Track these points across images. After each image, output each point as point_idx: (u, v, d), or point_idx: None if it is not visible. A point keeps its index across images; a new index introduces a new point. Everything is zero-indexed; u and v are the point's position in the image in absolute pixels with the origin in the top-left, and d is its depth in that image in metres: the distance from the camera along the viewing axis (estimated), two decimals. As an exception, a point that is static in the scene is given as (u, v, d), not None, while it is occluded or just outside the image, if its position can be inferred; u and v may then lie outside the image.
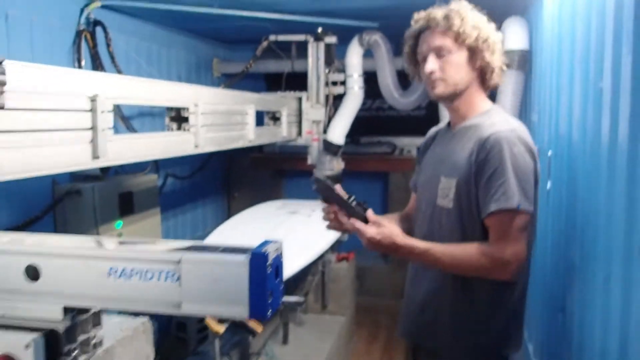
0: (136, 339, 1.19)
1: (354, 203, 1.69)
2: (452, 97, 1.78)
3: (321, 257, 3.70)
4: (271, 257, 0.90)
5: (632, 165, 1.40)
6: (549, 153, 2.40)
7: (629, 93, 1.42)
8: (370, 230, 1.64)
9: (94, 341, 1.04)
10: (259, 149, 5.53)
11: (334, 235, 3.19)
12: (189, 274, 0.90)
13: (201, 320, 4.11)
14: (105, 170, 3.33)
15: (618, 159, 1.50)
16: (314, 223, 3.30)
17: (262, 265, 0.88)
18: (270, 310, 0.90)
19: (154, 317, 3.60)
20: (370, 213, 1.68)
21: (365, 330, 4.83)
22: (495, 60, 1.74)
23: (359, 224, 1.66)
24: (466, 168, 1.69)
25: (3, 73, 1.06)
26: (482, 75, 1.77)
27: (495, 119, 1.74)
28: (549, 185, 2.41)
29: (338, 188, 1.72)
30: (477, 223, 1.69)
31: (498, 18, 3.18)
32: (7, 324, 0.96)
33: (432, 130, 2.04)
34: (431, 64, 1.73)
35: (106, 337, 1.10)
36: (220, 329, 2.21)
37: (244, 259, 0.88)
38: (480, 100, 1.81)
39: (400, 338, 1.97)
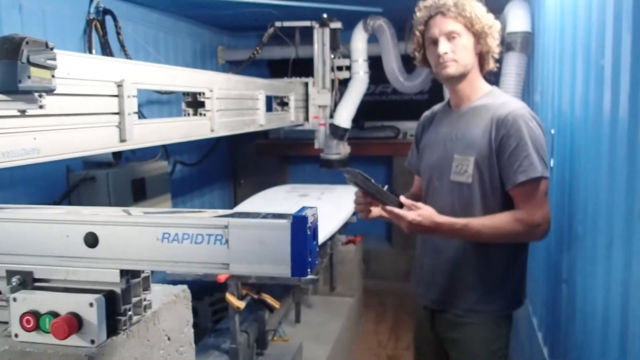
0: (178, 303, 1.28)
1: (387, 190, 1.81)
2: (461, 78, 1.93)
3: (331, 238, 3.80)
4: (310, 220, 1.00)
5: (632, 138, 1.49)
6: (552, 132, 2.49)
7: (628, 70, 1.51)
8: (410, 214, 1.76)
9: (144, 303, 1.14)
10: (265, 135, 5.62)
11: (345, 215, 3.29)
12: (235, 237, 0.99)
13: (213, 303, 4.24)
14: (117, 157, 3.41)
15: (619, 133, 1.59)
16: (324, 204, 3.39)
17: (302, 227, 0.98)
18: (309, 269, 1.00)
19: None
20: (403, 198, 1.80)
21: (373, 311, 4.96)
22: (495, 45, 1.92)
23: (398, 210, 1.78)
24: (485, 145, 1.85)
25: (54, 58, 1.14)
26: (481, 59, 1.95)
27: (504, 99, 1.94)
28: (552, 162, 2.50)
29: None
30: (498, 194, 1.87)
31: (501, 1, 3.29)
32: (69, 287, 1.06)
33: (428, 113, 2.19)
34: (444, 46, 1.87)
35: (153, 302, 1.20)
36: (241, 304, 2.31)
37: (286, 222, 0.98)
38: (482, 82, 1.99)
39: (427, 306, 2.10)
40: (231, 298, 2.28)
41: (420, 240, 2.13)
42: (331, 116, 4.18)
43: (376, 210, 1.93)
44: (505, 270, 1.96)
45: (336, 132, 4.13)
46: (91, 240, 1.04)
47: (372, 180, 1.80)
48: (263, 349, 2.63)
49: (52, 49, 1.14)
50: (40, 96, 1.15)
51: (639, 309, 1.44)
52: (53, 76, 1.17)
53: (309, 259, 0.99)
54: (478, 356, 1.98)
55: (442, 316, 2.05)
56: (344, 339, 3.86)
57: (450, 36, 1.87)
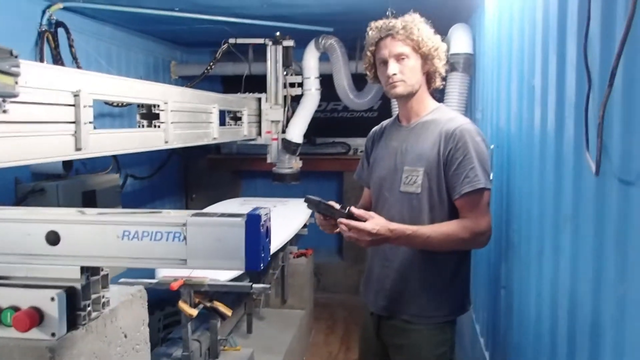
0: (135, 302, 1.33)
1: (339, 207, 1.87)
2: (409, 96, 2.06)
3: (282, 250, 3.86)
4: (263, 219, 1.08)
5: (559, 149, 1.64)
6: (491, 147, 2.65)
7: (554, 88, 1.67)
8: (367, 225, 1.82)
9: (103, 300, 1.18)
10: (217, 150, 5.65)
11: (296, 227, 3.36)
12: (193, 234, 1.05)
13: (164, 317, 4.21)
14: (68, 169, 3.39)
15: (547, 146, 1.75)
16: (276, 216, 3.44)
17: (256, 225, 1.05)
18: (262, 263, 1.07)
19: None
20: (354, 209, 1.87)
21: (324, 323, 5.02)
22: (441, 65, 2.05)
23: (355, 222, 1.83)
24: (434, 157, 1.97)
25: (17, 65, 1.19)
26: (429, 78, 2.08)
27: (451, 115, 2.08)
28: (491, 176, 2.66)
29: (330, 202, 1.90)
30: (445, 204, 1.99)
31: (445, 24, 3.48)
32: (30, 284, 1.10)
33: (377, 128, 2.31)
34: (393, 67, 1.99)
35: (111, 300, 1.25)
36: (194, 312, 2.34)
37: (241, 220, 1.05)
38: (429, 99, 2.12)
39: (374, 313, 2.17)
40: (184, 306, 2.31)
41: (370, 249, 2.21)
42: (283, 131, 4.28)
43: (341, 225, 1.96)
44: (450, 278, 2.06)
45: (288, 146, 4.22)
46: (53, 238, 1.08)
47: (334, 205, 1.88)
48: (215, 358, 2.65)
49: (16, 56, 1.19)
50: (4, 101, 1.19)
51: (566, 310, 1.58)
52: (16, 83, 1.21)
53: (262, 255, 1.06)
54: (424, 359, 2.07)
55: (389, 322, 2.12)
56: (295, 350, 3.91)
57: (399, 58, 1.98)
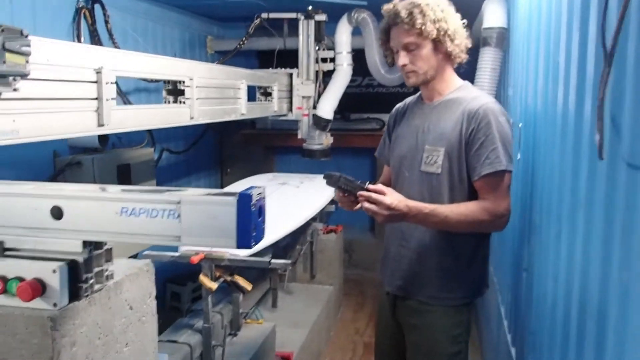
0: (141, 276, 1.37)
1: (359, 183, 1.86)
2: (426, 83, 2.01)
3: (309, 226, 3.89)
4: (255, 198, 1.09)
5: (578, 130, 1.58)
6: (520, 125, 2.58)
7: (576, 66, 1.60)
8: (387, 199, 1.81)
9: (106, 273, 1.22)
10: (252, 125, 5.70)
11: (320, 204, 3.38)
12: (187, 212, 1.08)
13: (195, 289, 4.34)
14: (104, 143, 3.49)
15: (568, 125, 1.69)
16: (302, 192, 3.49)
17: (247, 204, 1.06)
18: (253, 242, 1.09)
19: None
20: (371, 185, 1.85)
21: (353, 299, 5.06)
22: (457, 45, 1.94)
23: (375, 195, 1.82)
24: (455, 137, 1.92)
25: (28, 45, 1.22)
26: (449, 57, 1.98)
27: (475, 93, 2.01)
28: (519, 155, 2.60)
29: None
30: (465, 185, 1.94)
31: (480, -2, 3.38)
32: (36, 256, 1.15)
33: (400, 105, 2.26)
34: (402, 59, 1.95)
35: (116, 274, 1.29)
36: (213, 285, 2.40)
37: (232, 199, 1.07)
38: (453, 77, 2.05)
39: (390, 293, 2.16)
40: (204, 279, 2.37)
41: (387, 228, 2.21)
42: (314, 107, 4.27)
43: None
44: (467, 261, 2.02)
45: (319, 122, 4.22)
46: (57, 213, 1.13)
47: (353, 180, 1.87)
48: (236, 330, 2.72)
49: (26, 36, 1.22)
50: (14, 80, 1.23)
51: (577, 296, 1.55)
52: (27, 62, 1.25)
53: (253, 233, 1.08)
54: (438, 341, 2.05)
55: (405, 303, 2.11)
56: (322, 325, 3.96)
57: (407, 48, 1.94)
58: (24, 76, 1.25)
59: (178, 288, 4.47)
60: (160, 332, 2.84)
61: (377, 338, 2.36)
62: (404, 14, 1.89)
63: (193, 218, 1.08)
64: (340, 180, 1.86)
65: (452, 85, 2.04)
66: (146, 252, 2.38)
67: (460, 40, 1.95)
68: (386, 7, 1.97)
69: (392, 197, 1.83)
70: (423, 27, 1.87)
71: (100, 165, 3.36)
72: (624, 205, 1.17)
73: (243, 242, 1.07)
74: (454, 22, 1.94)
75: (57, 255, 1.14)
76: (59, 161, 3.30)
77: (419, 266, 2.06)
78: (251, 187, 1.11)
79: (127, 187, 1.26)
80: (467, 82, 2.09)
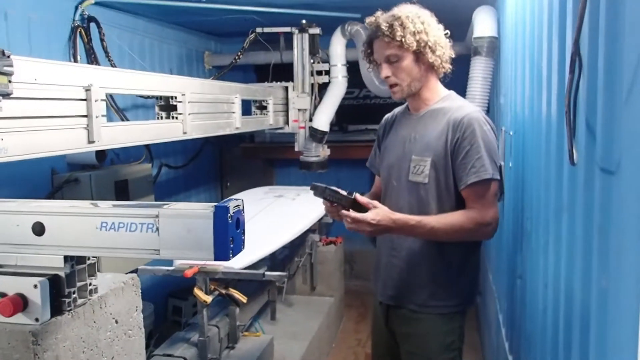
0: (126, 290, 1.39)
1: (346, 193, 1.86)
2: (411, 95, 2.04)
3: (307, 238, 3.90)
4: (232, 210, 1.10)
5: (560, 137, 1.59)
6: (511, 133, 2.60)
7: (557, 73, 1.62)
8: (368, 215, 1.83)
9: (90, 288, 1.24)
10: (251, 139, 5.73)
11: (315, 215, 3.38)
12: (165, 225, 1.09)
13: (196, 304, 4.34)
14: (101, 160, 3.51)
15: (552, 131, 1.70)
16: (297, 205, 3.50)
17: (224, 216, 1.08)
18: (231, 253, 1.10)
19: (152, 301, 3.78)
20: (359, 196, 1.85)
21: (355, 311, 5.05)
22: (439, 56, 1.96)
23: (355, 214, 1.84)
24: (441, 146, 1.94)
25: (10, 65, 1.25)
26: (432, 68, 2.00)
27: (460, 103, 2.02)
28: (510, 163, 2.61)
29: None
30: (452, 194, 1.95)
31: (471, 6, 3.40)
32: (18, 272, 1.16)
33: (389, 115, 2.27)
34: (384, 71, 1.98)
35: (101, 288, 1.30)
36: (208, 298, 2.41)
37: (209, 212, 1.08)
38: (438, 87, 2.07)
39: (383, 303, 2.17)
40: (199, 292, 2.38)
41: (379, 238, 2.22)
42: (311, 119, 4.29)
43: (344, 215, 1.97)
44: (458, 269, 2.03)
45: (315, 135, 4.24)
46: (38, 229, 1.14)
47: (339, 191, 1.87)
48: (234, 343, 2.73)
49: (8, 56, 1.25)
50: (-2, 99, 1.26)
51: (563, 302, 1.55)
52: (10, 81, 1.27)
53: (231, 245, 1.09)
54: (431, 349, 2.06)
55: (397, 312, 2.12)
56: (323, 337, 3.96)
57: (389, 60, 1.95)
58: (6, 95, 1.27)
59: (179, 302, 4.48)
60: (158, 346, 2.86)
61: (373, 347, 2.37)
62: (384, 26, 1.91)
63: (171, 231, 1.10)
64: (325, 192, 1.87)
65: (438, 95, 2.05)
66: (141, 267, 2.39)
67: (441, 51, 1.96)
68: (368, 20, 2.00)
69: (375, 213, 1.83)
70: (403, 40, 1.89)
71: (97, 182, 3.38)
72: (600, 210, 1.18)
73: (221, 254, 1.08)
74: (435, 34, 1.95)
75: (40, 271, 1.16)
76: (57, 178, 3.32)
77: (409, 275, 2.06)
78: (228, 200, 1.13)
79: (117, 202, 1.28)
80: (452, 92, 2.10)
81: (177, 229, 1.09)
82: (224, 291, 2.47)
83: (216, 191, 5.81)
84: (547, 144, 1.77)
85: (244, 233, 1.16)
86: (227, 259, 1.10)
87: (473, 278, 2.11)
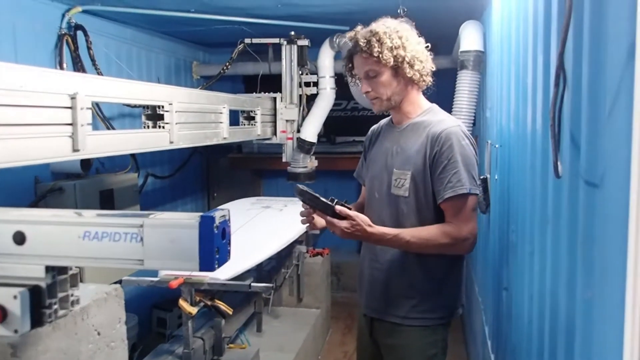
0: (109, 301, 1.37)
1: (328, 201, 1.85)
2: (391, 109, 2.05)
3: (293, 250, 3.89)
4: (218, 220, 1.09)
5: (545, 149, 1.60)
6: (497, 146, 2.61)
7: (541, 87, 1.63)
8: (342, 223, 1.83)
9: (72, 299, 1.22)
10: (238, 149, 5.71)
11: (303, 227, 3.36)
12: (150, 235, 1.08)
13: (181, 315, 4.30)
14: (86, 169, 3.48)
15: (537, 144, 1.71)
16: (284, 216, 3.49)
17: (209, 226, 1.07)
18: (217, 264, 1.09)
19: (136, 312, 3.73)
20: (338, 207, 1.84)
21: (342, 323, 5.03)
22: (418, 71, 1.95)
23: (330, 218, 1.85)
24: (420, 160, 1.94)
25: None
26: (412, 82, 1.99)
27: (441, 117, 2.02)
28: (496, 176, 2.63)
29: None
30: (431, 207, 1.95)
31: (460, 21, 3.43)
32: (-1, 282, 1.14)
33: (375, 127, 2.28)
34: (364, 86, 2.00)
35: (83, 299, 1.28)
36: (193, 310, 2.38)
37: (194, 221, 1.07)
38: (420, 100, 2.07)
39: (367, 315, 2.16)
40: (184, 304, 2.35)
41: (362, 250, 2.22)
42: (298, 131, 4.30)
43: (319, 221, 1.99)
44: (440, 281, 2.03)
45: (302, 146, 4.24)
46: (19, 238, 1.12)
47: (319, 197, 1.87)
48: (219, 355, 2.70)
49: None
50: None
51: (548, 313, 1.55)
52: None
53: (217, 255, 1.08)
54: None
55: (380, 324, 2.12)
56: (309, 349, 3.93)
57: (368, 75, 1.96)
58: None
59: (164, 314, 4.43)
60: (142, 358, 2.82)
61: (358, 358, 2.35)
62: (362, 42, 1.91)
63: (156, 241, 1.08)
64: (305, 195, 1.87)
65: (420, 108, 2.05)
66: (126, 278, 2.36)
67: (420, 66, 1.95)
68: (348, 35, 2.01)
69: (352, 224, 1.83)
70: (380, 55, 1.89)
71: (82, 191, 3.35)
72: (584, 222, 1.18)
73: (206, 264, 1.07)
74: (413, 48, 1.95)
75: (20, 281, 1.13)
76: (40, 187, 3.28)
77: (391, 287, 2.06)
78: (214, 210, 1.12)
79: (101, 212, 1.26)
80: (434, 105, 2.10)
81: (162, 239, 1.08)
82: (209, 302, 2.45)
83: (203, 201, 5.78)
84: (532, 157, 1.79)
85: (229, 243, 1.15)
86: (212, 269, 1.09)
87: (456, 290, 2.10)
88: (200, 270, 1.08)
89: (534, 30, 1.76)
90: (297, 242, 3.62)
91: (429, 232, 1.91)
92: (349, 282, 5.70)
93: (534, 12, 1.76)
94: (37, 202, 3.25)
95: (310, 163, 4.35)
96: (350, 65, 2.05)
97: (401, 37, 1.93)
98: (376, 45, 1.89)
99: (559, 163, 1.22)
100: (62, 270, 1.19)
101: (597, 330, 1.12)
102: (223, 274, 2.43)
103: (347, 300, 5.45)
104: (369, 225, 1.86)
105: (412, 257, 1.99)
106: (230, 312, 2.51)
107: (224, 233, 1.12)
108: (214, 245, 1.08)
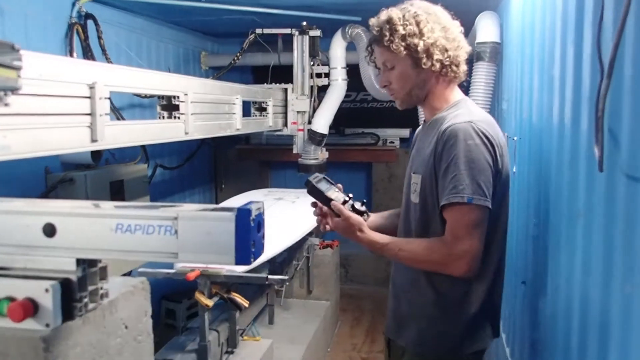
0: (136, 294, 1.35)
1: (339, 198, 1.79)
2: (414, 103, 1.84)
3: (305, 242, 3.87)
4: (254, 213, 1.07)
5: (574, 142, 1.58)
6: (515, 139, 2.58)
7: (572, 79, 1.61)
8: (334, 221, 1.78)
9: (101, 292, 1.20)
10: (246, 140, 5.69)
11: (314, 220, 3.35)
12: (184, 228, 1.06)
13: (190, 307, 4.29)
14: (97, 160, 3.46)
15: (564, 138, 1.69)
16: (297, 208, 3.47)
17: (246, 219, 1.05)
18: (252, 258, 1.07)
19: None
20: (334, 202, 1.76)
21: (350, 315, 5.03)
22: (439, 61, 1.70)
23: (328, 216, 1.80)
24: (430, 163, 1.67)
25: (19, 59, 1.20)
26: (437, 73, 1.74)
27: (461, 111, 1.71)
28: (514, 169, 2.60)
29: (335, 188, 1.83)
30: (437, 218, 1.67)
31: (474, 12, 3.39)
32: (28, 275, 1.12)
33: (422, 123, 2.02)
34: (382, 79, 1.81)
35: (111, 292, 1.26)
36: (210, 302, 2.37)
37: (231, 214, 1.05)
38: (448, 93, 1.79)
39: (385, 334, 1.98)
40: (200, 296, 2.34)
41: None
42: (309, 122, 4.27)
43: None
44: (455, 305, 1.72)
45: (314, 137, 4.21)
46: (49, 230, 1.10)
47: (322, 190, 1.79)
48: (233, 348, 2.69)
49: (18, 50, 1.20)
50: (5, 94, 1.21)
51: (578, 308, 1.53)
52: (19, 76, 1.23)
53: (252, 249, 1.06)
54: None
55: (394, 344, 1.91)
56: (319, 341, 3.92)
57: (385, 67, 1.77)
58: (15, 91, 1.23)
59: (173, 305, 4.42)
60: (154, 350, 2.81)
61: None
62: (375, 31, 1.74)
63: (190, 234, 1.06)
64: (308, 185, 1.82)
65: (446, 102, 1.78)
66: (141, 270, 2.35)
67: (443, 55, 1.70)
68: (371, 22, 1.79)
69: (337, 222, 1.76)
70: (390, 45, 1.69)
71: (93, 182, 3.33)
72: (624, 216, 1.16)
73: (242, 258, 1.05)
74: (433, 35, 1.69)
75: (50, 274, 1.11)
76: (51, 177, 3.26)
77: (398, 307, 1.86)
78: (250, 202, 1.09)
79: (119, 203, 1.24)
80: (464, 98, 1.81)
81: (197, 232, 1.06)
82: (225, 295, 2.44)
83: (211, 192, 5.76)
84: (559, 150, 1.76)
85: (264, 237, 1.13)
86: (248, 263, 1.06)
87: (477, 320, 1.72)
88: (236, 263, 1.06)
89: (563, 22, 1.72)
90: (309, 234, 3.60)
91: (418, 246, 1.69)
92: (357, 274, 5.69)
93: (564, 4, 1.72)
94: (48, 192, 3.23)
95: (321, 155, 4.33)
96: (373, 56, 1.84)
97: (419, 22, 1.68)
98: (387, 34, 1.69)
99: (597, 156, 1.19)
100: (92, 263, 1.16)
101: (637, 324, 1.10)
102: (240, 266, 2.41)
103: (355, 292, 5.44)
104: (360, 230, 1.73)
105: (422, 275, 1.73)
106: (247, 305, 2.50)
107: (259, 226, 1.10)
108: (250, 238, 1.05)
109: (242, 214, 1.05)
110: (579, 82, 1.54)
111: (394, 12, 1.72)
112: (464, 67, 1.78)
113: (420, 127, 1.97)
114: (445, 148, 1.61)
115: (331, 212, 1.80)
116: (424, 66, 1.70)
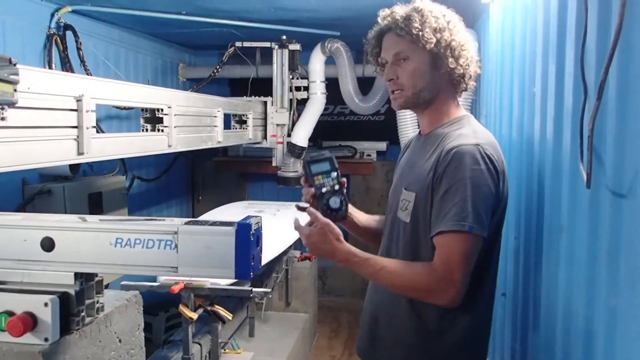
0: (130, 307, 1.35)
1: (324, 190, 1.58)
2: (416, 106, 1.66)
3: (285, 254, 3.88)
4: (253, 227, 1.09)
5: (556, 159, 1.64)
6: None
7: (554, 97, 1.67)
8: (305, 229, 1.54)
9: (97, 305, 1.20)
10: (224, 152, 5.68)
11: (297, 233, 3.36)
12: (184, 242, 1.07)
13: (168, 319, 4.25)
14: (75, 171, 3.42)
15: (546, 154, 1.74)
16: (278, 220, 3.48)
17: (246, 234, 1.07)
18: (252, 272, 1.08)
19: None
20: (309, 210, 1.55)
21: (328, 327, 5.03)
22: (462, 66, 1.58)
23: (300, 224, 1.57)
24: (427, 182, 1.52)
25: (16, 74, 1.21)
26: (451, 80, 1.61)
27: (466, 131, 1.56)
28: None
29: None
30: (428, 243, 1.51)
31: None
32: (25, 289, 1.12)
33: (411, 135, 1.96)
34: (388, 72, 1.62)
35: (106, 305, 1.26)
36: (194, 315, 2.36)
37: (231, 229, 1.07)
38: (452, 107, 1.65)
39: (357, 353, 1.80)
40: (184, 309, 2.33)
41: None
42: (289, 135, 4.29)
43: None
44: (436, 335, 1.58)
45: (293, 150, 4.24)
46: (47, 245, 1.10)
47: (306, 187, 1.62)
48: (215, 361, 2.67)
49: (15, 64, 1.21)
50: (2, 109, 1.21)
51: (561, 317, 1.58)
52: (15, 90, 1.23)
53: (252, 263, 1.07)
54: None
55: None
56: (298, 353, 3.91)
57: (397, 58, 1.58)
58: (11, 105, 1.23)
59: (150, 318, 4.36)
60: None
61: None
62: (400, 17, 1.56)
63: (190, 248, 1.07)
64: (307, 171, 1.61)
65: (448, 116, 1.63)
66: (123, 283, 2.32)
67: (466, 61, 1.58)
68: (383, 13, 1.62)
69: (310, 233, 1.52)
70: (420, 34, 1.52)
71: (71, 194, 3.29)
72: (609, 231, 1.21)
73: (241, 272, 1.07)
74: (462, 38, 1.58)
75: (48, 288, 1.11)
76: (28, 189, 3.21)
77: (375, 327, 1.69)
78: (249, 217, 1.11)
79: (132, 218, 1.24)
80: (466, 115, 1.66)
81: (197, 247, 1.07)
82: (209, 307, 2.43)
83: (188, 205, 5.73)
84: (541, 166, 1.82)
85: (261, 251, 1.15)
86: (247, 277, 1.08)
87: (464, 347, 1.59)
88: (236, 277, 1.07)
89: (544, 40, 1.79)
90: (289, 246, 3.62)
91: (404, 268, 1.51)
92: (334, 286, 5.71)
93: (544, 25, 1.79)
94: (25, 204, 3.18)
95: (300, 167, 4.35)
96: (377, 48, 1.67)
97: (449, 21, 1.56)
98: (417, 22, 1.52)
99: (585, 174, 1.24)
100: (90, 276, 1.17)
101: (622, 337, 1.15)
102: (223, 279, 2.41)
103: (332, 304, 5.45)
104: (337, 240, 1.50)
105: (404, 298, 1.58)
106: (230, 318, 2.49)
107: (258, 240, 1.12)
108: (250, 252, 1.07)
109: (243, 228, 1.07)
110: (561, 100, 1.60)
111: (424, 5, 1.58)
112: (473, 82, 1.68)
113: (413, 138, 1.82)
114: (448, 170, 1.47)
115: (314, 200, 1.60)
116: (447, 67, 1.56)
